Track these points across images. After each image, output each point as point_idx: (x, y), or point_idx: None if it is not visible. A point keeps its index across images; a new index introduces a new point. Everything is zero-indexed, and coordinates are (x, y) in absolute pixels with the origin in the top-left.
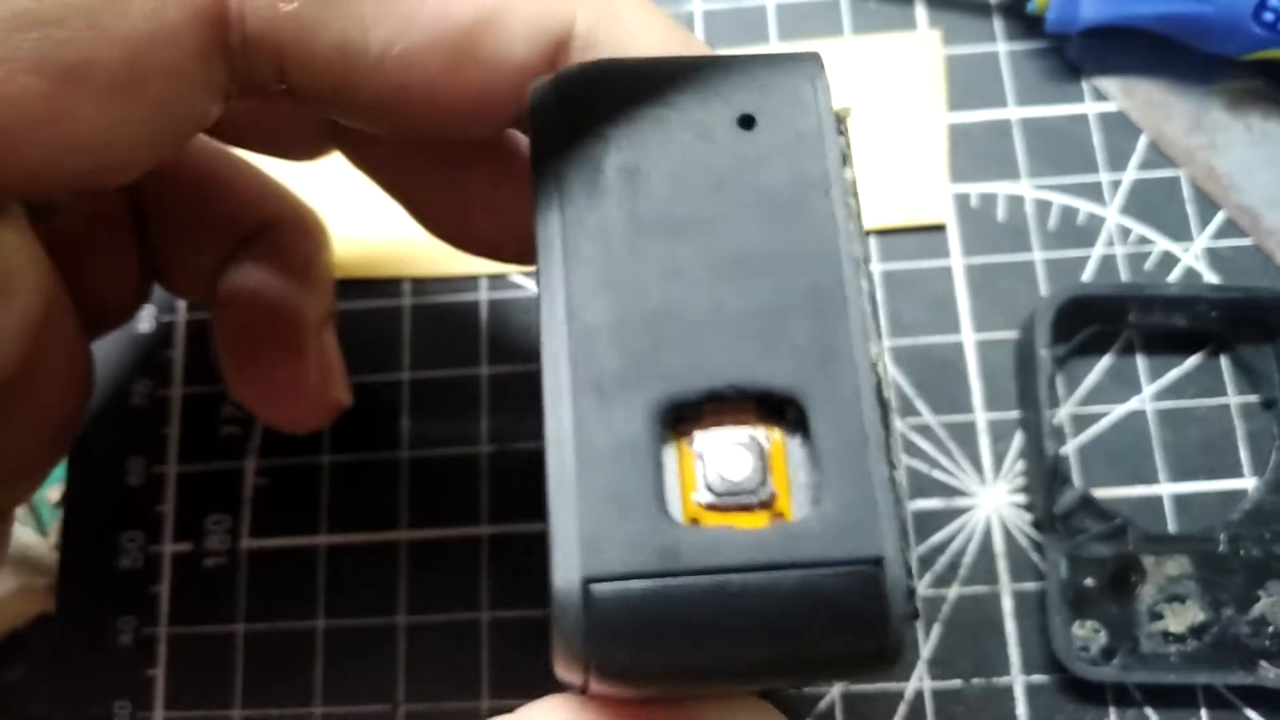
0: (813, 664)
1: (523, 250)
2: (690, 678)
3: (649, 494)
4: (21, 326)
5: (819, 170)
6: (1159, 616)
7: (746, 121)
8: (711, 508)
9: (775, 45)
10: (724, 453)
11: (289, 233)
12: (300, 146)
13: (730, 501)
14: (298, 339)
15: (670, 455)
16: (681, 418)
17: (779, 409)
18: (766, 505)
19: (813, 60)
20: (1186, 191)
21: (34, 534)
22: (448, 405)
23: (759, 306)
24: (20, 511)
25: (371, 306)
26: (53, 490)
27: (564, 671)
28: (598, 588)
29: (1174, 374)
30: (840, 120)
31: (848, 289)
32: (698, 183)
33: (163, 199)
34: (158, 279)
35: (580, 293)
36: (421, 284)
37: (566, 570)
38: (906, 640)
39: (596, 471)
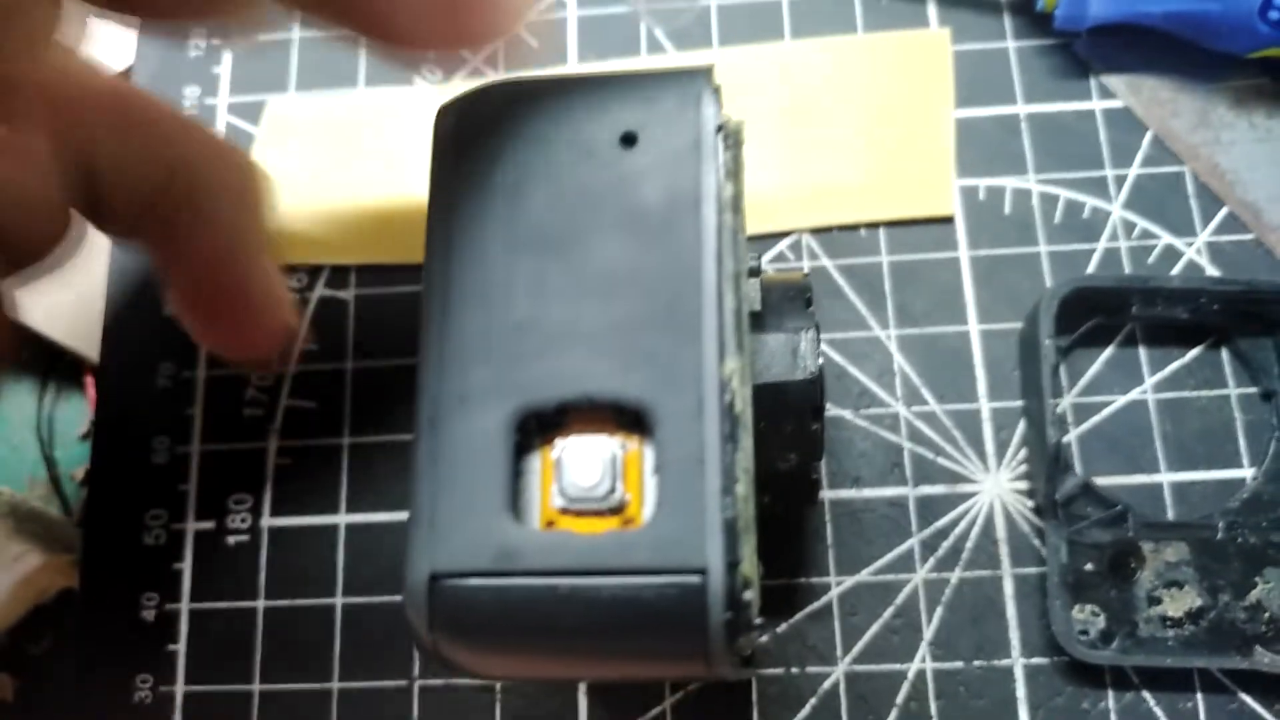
0: (639, 663)
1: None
2: (524, 667)
3: (498, 499)
4: None
5: (692, 187)
6: (1157, 601)
7: (628, 139)
8: (565, 511)
9: (787, 42)
10: (578, 460)
11: (222, 165)
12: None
13: (582, 506)
14: (241, 272)
15: (533, 461)
16: (544, 426)
17: (635, 420)
18: (617, 511)
19: (700, 76)
20: (1190, 187)
21: (58, 511)
22: None
23: (619, 321)
24: (44, 489)
25: (392, 292)
26: (78, 469)
27: (419, 646)
28: (442, 583)
29: (1175, 365)
30: (730, 134)
31: (705, 306)
32: (574, 201)
33: (90, 131)
34: (87, 214)
35: (456, 306)
36: (367, 272)
37: (417, 564)
38: (743, 644)
39: (452, 475)
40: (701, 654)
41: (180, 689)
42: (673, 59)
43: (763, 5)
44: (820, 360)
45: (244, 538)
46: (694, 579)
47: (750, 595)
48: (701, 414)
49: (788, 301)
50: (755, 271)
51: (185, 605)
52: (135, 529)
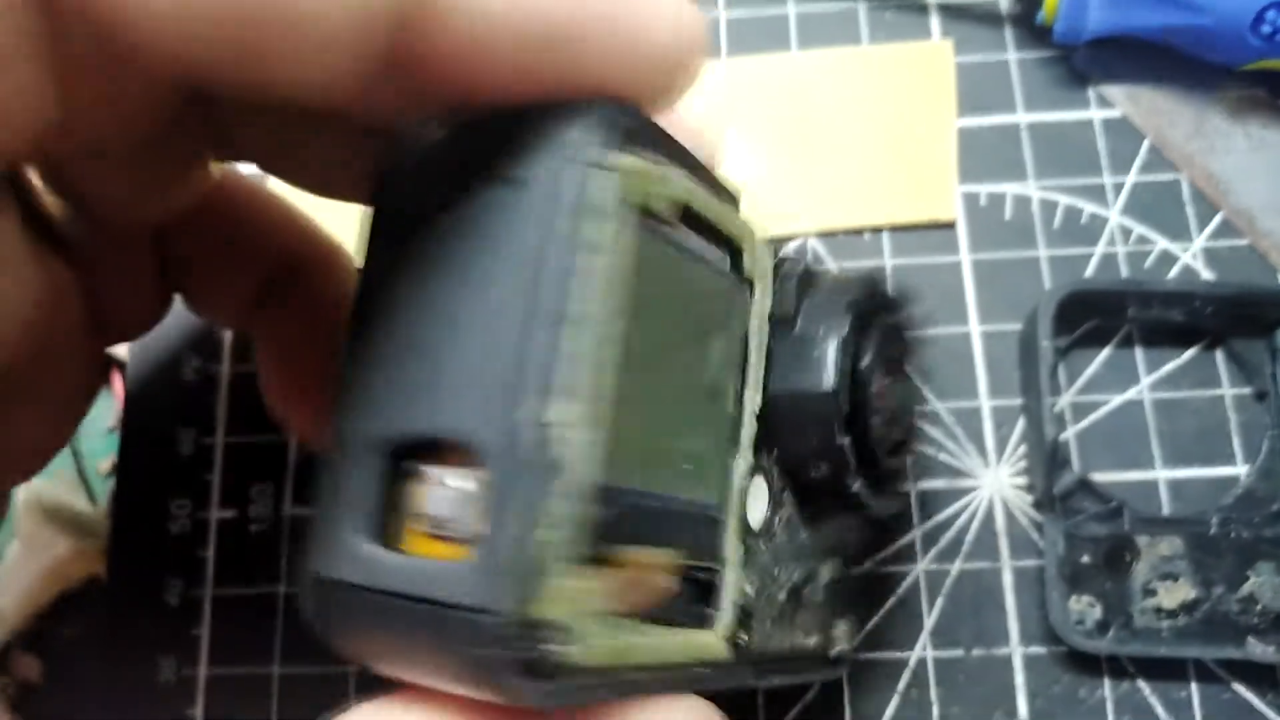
0: (460, 683)
1: None
2: (381, 667)
3: (368, 519)
4: (13, 317)
5: (547, 230)
6: (1152, 593)
7: (512, 182)
8: (426, 536)
9: (795, 53)
10: (436, 490)
11: (323, 269)
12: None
13: (437, 533)
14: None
15: (408, 487)
16: (415, 455)
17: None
18: (469, 541)
19: (587, 113)
20: (1186, 194)
21: (85, 500)
22: None
23: (471, 364)
24: (71, 479)
25: None
26: (104, 461)
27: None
28: (321, 585)
29: (1170, 366)
30: (630, 178)
31: (530, 350)
32: (456, 246)
33: (191, 232)
34: (189, 307)
35: (360, 342)
36: None
37: (309, 562)
38: (537, 689)
39: (335, 494)
40: (496, 692)
41: (204, 671)
42: None
43: (771, 17)
44: (845, 369)
45: (266, 525)
46: (479, 616)
47: (559, 638)
48: (517, 457)
49: (828, 303)
50: (779, 265)
51: (209, 591)
52: (161, 517)
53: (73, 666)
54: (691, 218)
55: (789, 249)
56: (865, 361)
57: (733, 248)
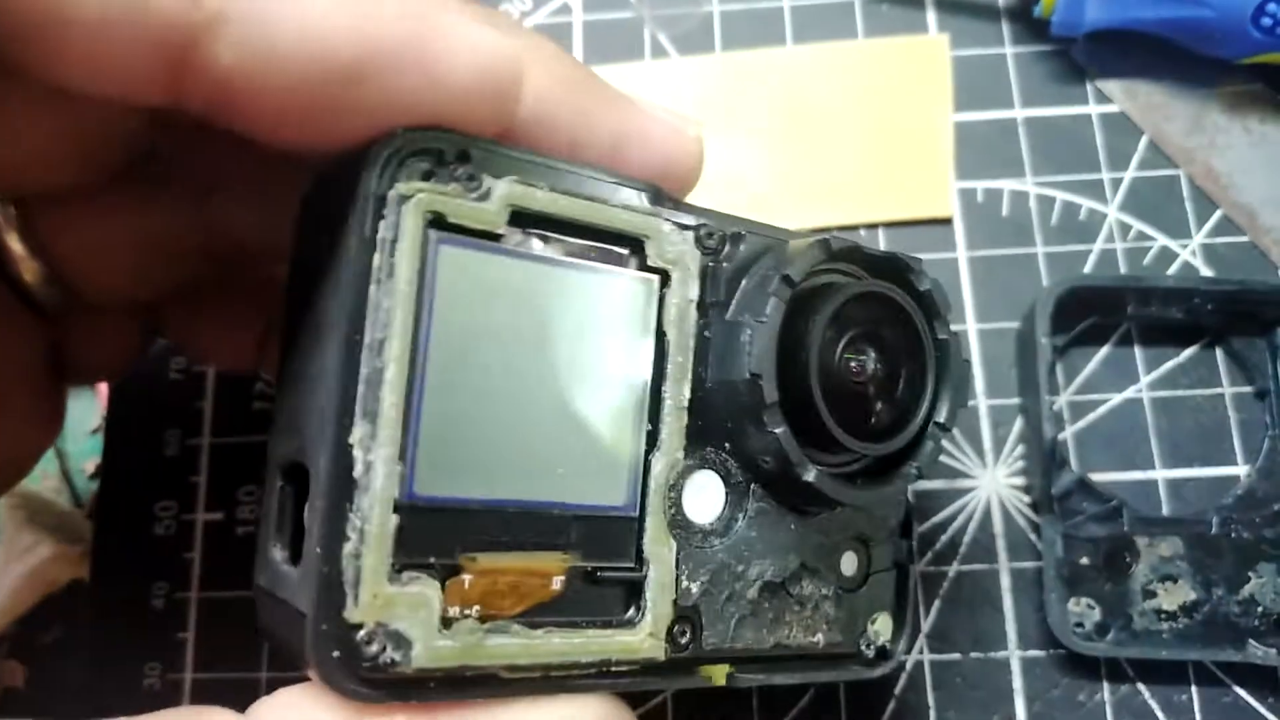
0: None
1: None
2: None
3: (276, 532)
4: None
5: (351, 264)
6: (1152, 595)
7: (340, 220)
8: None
9: (789, 47)
10: (306, 506)
11: None
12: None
13: (309, 544)
14: None
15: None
16: (298, 476)
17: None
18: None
19: (380, 147)
20: (1185, 190)
21: (69, 503)
22: None
23: (313, 393)
24: (55, 482)
25: None
26: (89, 463)
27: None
28: (256, 588)
29: (1170, 365)
30: (396, 197)
31: (340, 382)
32: (314, 283)
33: (190, 297)
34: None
35: (281, 369)
36: None
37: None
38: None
39: (264, 507)
40: (339, 689)
41: (189, 676)
42: (676, 64)
43: (765, 11)
44: (772, 351)
45: (252, 528)
46: (305, 621)
47: (374, 640)
48: (323, 478)
49: (764, 280)
50: (718, 243)
51: (195, 594)
52: (146, 520)
53: (56, 671)
54: (544, 222)
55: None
56: (812, 338)
57: (631, 241)
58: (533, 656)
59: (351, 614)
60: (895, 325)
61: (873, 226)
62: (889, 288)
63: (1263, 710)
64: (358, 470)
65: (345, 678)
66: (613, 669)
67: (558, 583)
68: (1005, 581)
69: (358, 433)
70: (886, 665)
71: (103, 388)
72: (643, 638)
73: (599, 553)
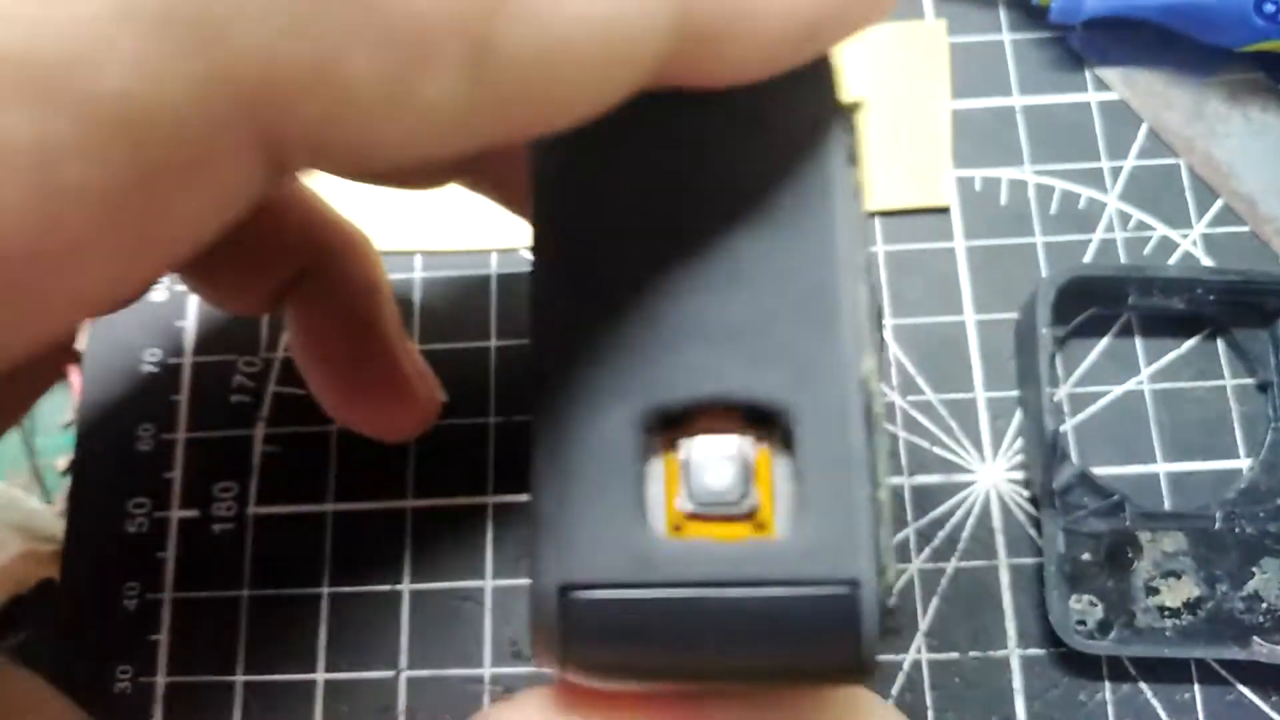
0: (785, 676)
1: None
2: (661, 680)
3: (629, 504)
4: None
5: (819, 174)
6: (1154, 591)
7: (746, 123)
8: (693, 516)
9: None
10: (708, 462)
11: (351, 256)
12: (422, 180)
13: (712, 511)
14: (387, 352)
15: (656, 463)
16: (668, 425)
17: (767, 420)
18: (749, 516)
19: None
20: (1185, 179)
21: (38, 500)
22: (457, 376)
23: (748, 315)
24: (24, 477)
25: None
26: (60, 458)
27: (543, 663)
28: (574, 595)
29: (1171, 356)
30: (849, 116)
31: (842, 299)
32: (694, 189)
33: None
34: (209, 300)
35: (570, 302)
36: (433, 257)
37: (545, 576)
38: (877, 655)
39: (579, 480)
40: (854, 664)
41: (162, 680)
42: None
43: None
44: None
45: (229, 526)
46: (844, 589)
47: (894, 601)
48: (843, 416)
49: None
50: None
51: (168, 595)
52: (118, 517)
53: None
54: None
55: None
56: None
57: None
58: None
59: (890, 575)
60: None
61: (869, 215)
62: None
63: (1266, 709)
64: (876, 407)
65: (872, 641)
66: None
67: None
68: (1005, 578)
69: (867, 364)
70: (896, 630)
71: (75, 379)
72: None
73: None
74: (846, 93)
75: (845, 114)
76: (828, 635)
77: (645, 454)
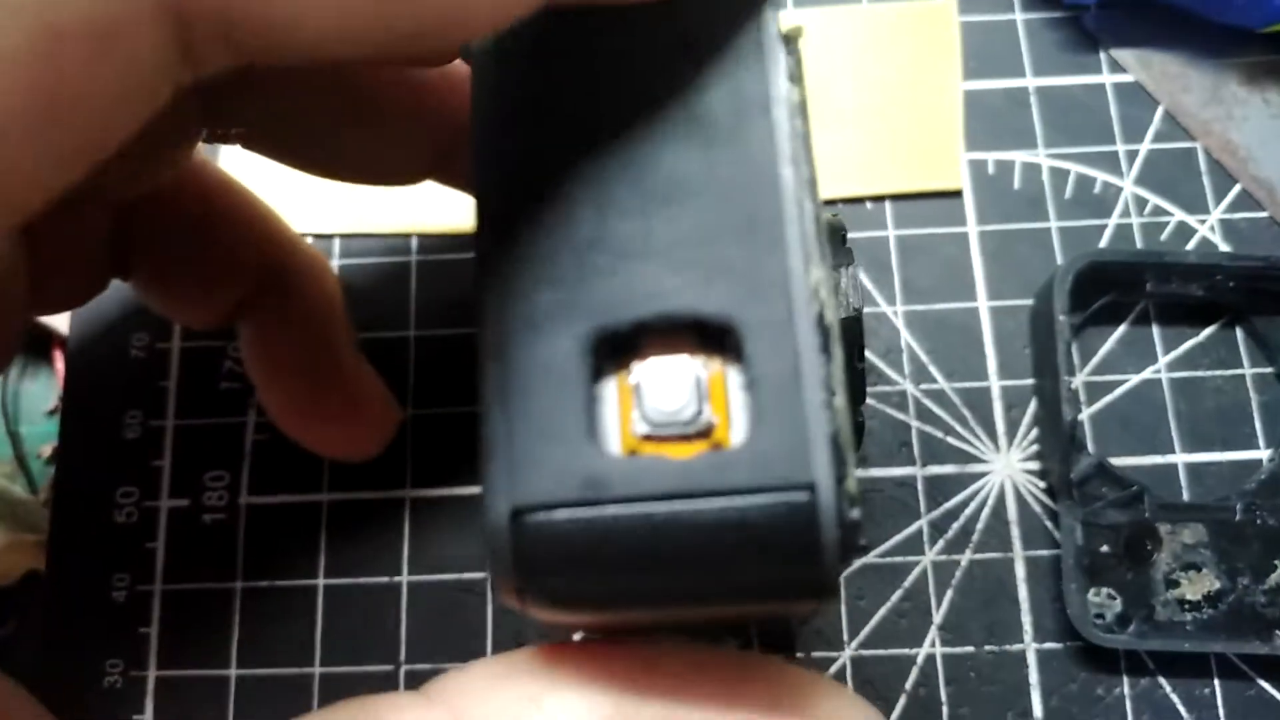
0: (746, 593)
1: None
2: (621, 604)
3: (578, 425)
4: None
5: (759, 91)
6: (1175, 584)
7: (688, 46)
8: (648, 438)
9: (792, 13)
10: (659, 383)
11: (308, 276)
12: (399, 175)
13: (667, 431)
14: (342, 371)
15: (610, 387)
16: (618, 349)
17: (718, 337)
18: (704, 434)
19: None
20: (1203, 163)
21: (23, 490)
22: (453, 363)
23: (693, 233)
24: (8, 467)
25: (379, 263)
26: (45, 447)
27: (503, 598)
28: (526, 518)
29: (1189, 344)
30: (789, 40)
31: (786, 211)
32: (634, 112)
33: (172, 244)
34: (163, 311)
35: (514, 227)
36: (428, 241)
37: (496, 502)
38: (840, 572)
39: (526, 405)
40: (814, 575)
41: (153, 674)
42: None
43: None
44: (861, 296)
45: (221, 516)
46: (802, 495)
47: (857, 514)
48: (793, 324)
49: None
50: None
51: (158, 586)
52: (106, 507)
53: (10, 668)
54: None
55: None
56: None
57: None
58: None
59: (851, 485)
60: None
61: (879, 199)
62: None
63: None
64: (828, 316)
65: (832, 552)
66: None
67: None
68: (1020, 571)
69: (815, 273)
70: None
71: (60, 365)
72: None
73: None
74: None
75: (786, 37)
76: (786, 543)
77: (597, 377)
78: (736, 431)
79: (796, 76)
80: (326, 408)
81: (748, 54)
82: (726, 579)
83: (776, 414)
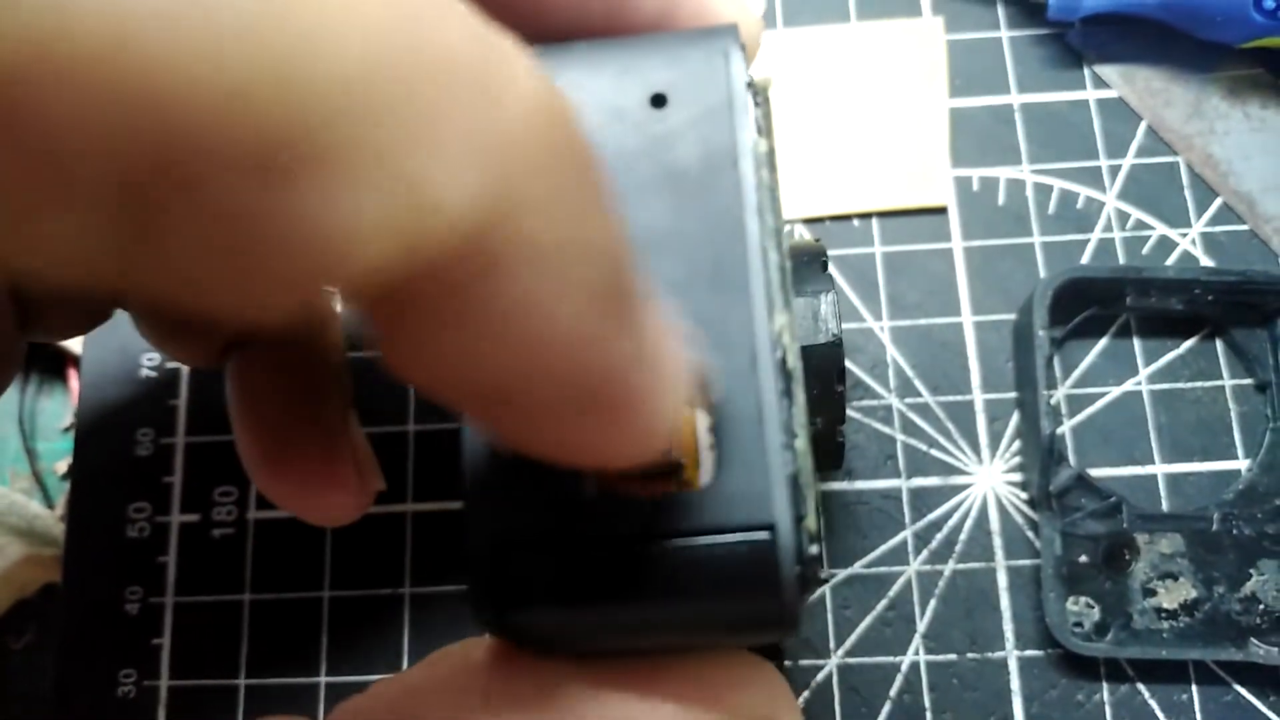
0: (711, 626)
1: None
2: (592, 639)
3: (552, 466)
4: None
5: (726, 143)
6: (1152, 593)
7: (658, 100)
8: (623, 477)
9: (781, 31)
10: None
11: (308, 327)
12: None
13: (639, 470)
14: (326, 430)
15: None
16: None
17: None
18: (673, 474)
19: (727, 33)
20: (1184, 178)
21: (40, 505)
22: None
23: (663, 283)
24: (26, 483)
25: None
26: (60, 463)
27: (482, 627)
28: (506, 554)
29: (1169, 357)
30: (759, 91)
31: (751, 262)
32: (607, 165)
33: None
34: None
35: None
36: None
37: (477, 537)
38: (804, 605)
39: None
40: (776, 610)
41: (165, 684)
42: None
43: None
44: (840, 322)
45: (230, 530)
46: (762, 535)
47: (815, 549)
48: (756, 371)
49: (805, 266)
50: None
51: (170, 599)
52: (119, 522)
53: (27, 679)
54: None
55: None
56: (840, 320)
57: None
58: None
59: (810, 522)
60: None
61: (866, 216)
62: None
63: (1264, 709)
64: (790, 361)
65: (793, 590)
66: None
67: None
68: (1002, 580)
69: (779, 321)
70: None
71: (74, 384)
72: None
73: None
74: (754, 73)
75: (755, 88)
76: (748, 580)
77: None
78: (704, 472)
79: (765, 128)
80: (297, 463)
81: (716, 106)
82: (692, 614)
83: (740, 457)
